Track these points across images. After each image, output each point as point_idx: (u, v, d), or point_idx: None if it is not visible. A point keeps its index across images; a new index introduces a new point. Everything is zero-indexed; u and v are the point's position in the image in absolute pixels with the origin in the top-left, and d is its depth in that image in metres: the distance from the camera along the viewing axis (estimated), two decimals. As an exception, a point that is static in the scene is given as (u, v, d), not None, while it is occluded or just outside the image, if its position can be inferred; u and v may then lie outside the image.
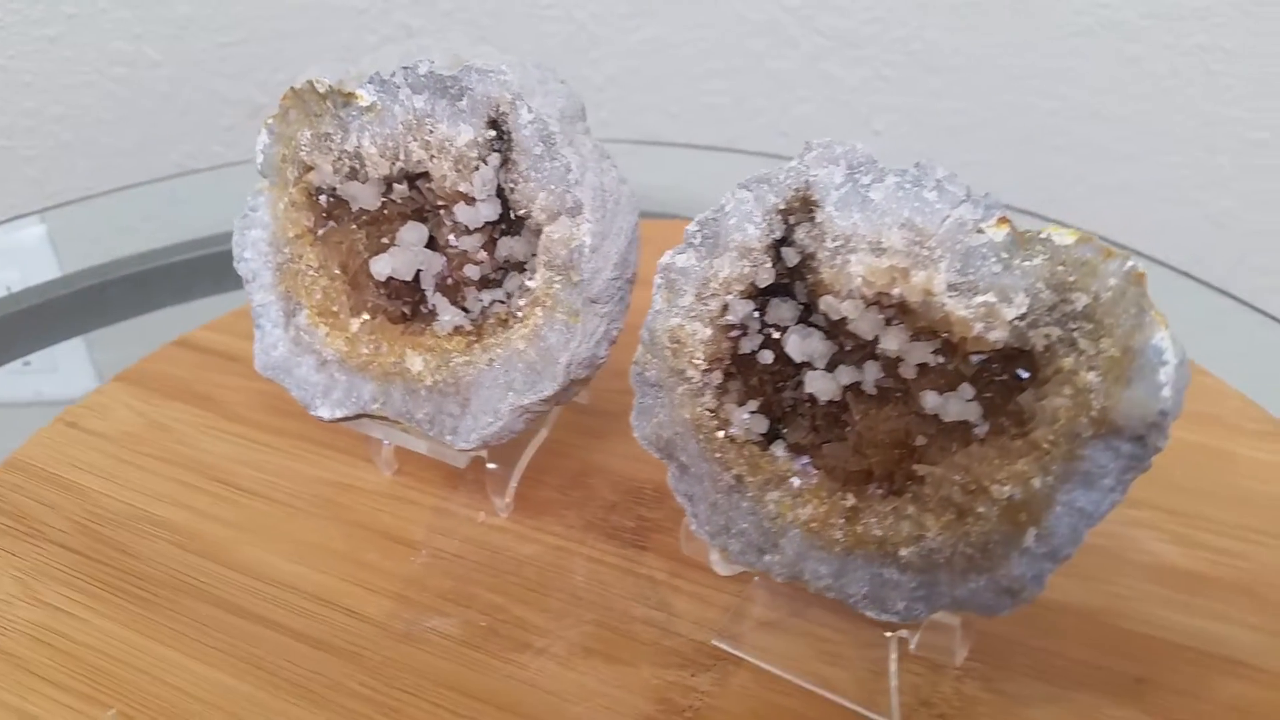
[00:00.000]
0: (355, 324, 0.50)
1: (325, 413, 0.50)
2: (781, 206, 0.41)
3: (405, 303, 0.52)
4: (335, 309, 0.50)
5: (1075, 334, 0.36)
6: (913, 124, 0.95)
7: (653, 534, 0.53)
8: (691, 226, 0.43)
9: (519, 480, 0.55)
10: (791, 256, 0.41)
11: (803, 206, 0.40)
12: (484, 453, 0.53)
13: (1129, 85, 0.86)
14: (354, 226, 0.51)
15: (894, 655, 0.45)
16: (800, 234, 0.40)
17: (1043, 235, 0.37)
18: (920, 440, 0.40)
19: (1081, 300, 0.36)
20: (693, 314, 0.42)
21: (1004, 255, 0.37)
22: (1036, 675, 0.46)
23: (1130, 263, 0.36)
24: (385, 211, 0.51)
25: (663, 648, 0.47)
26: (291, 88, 0.51)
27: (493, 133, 0.47)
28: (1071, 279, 0.36)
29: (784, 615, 0.48)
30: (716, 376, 0.42)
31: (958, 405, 0.38)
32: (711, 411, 0.42)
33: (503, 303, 0.49)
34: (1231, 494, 0.55)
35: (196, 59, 1.03)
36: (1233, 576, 0.50)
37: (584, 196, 0.45)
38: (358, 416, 0.50)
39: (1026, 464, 0.37)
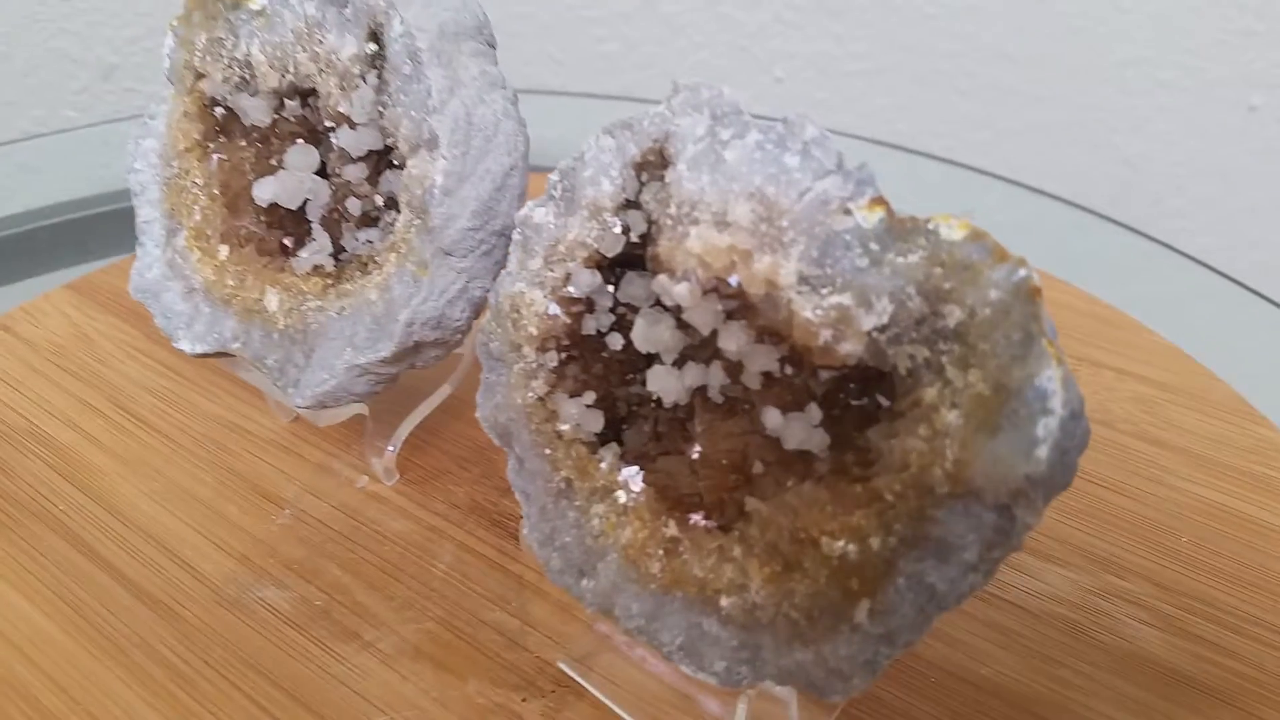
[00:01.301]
0: (224, 251, 0.45)
1: (187, 346, 0.46)
2: (638, 160, 0.33)
3: (287, 234, 0.46)
4: (209, 233, 0.46)
5: (944, 358, 0.27)
6: (816, 70, 0.86)
7: (540, 526, 0.47)
8: (554, 175, 0.36)
9: (410, 444, 0.49)
10: (638, 222, 0.33)
11: (658, 161, 0.33)
12: (364, 408, 0.47)
13: (1037, 25, 0.81)
14: (243, 143, 0.46)
15: (741, 713, 0.37)
16: (647, 195, 0.32)
17: (929, 225, 0.29)
18: (758, 467, 0.32)
19: (954, 315, 0.27)
20: (537, 281, 0.35)
21: (873, 246, 0.29)
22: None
23: (1022, 272, 0.27)
24: (277, 130, 0.46)
25: (503, 662, 0.41)
26: (192, -16, 0.46)
27: (374, 46, 0.41)
28: (948, 286, 0.27)
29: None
30: (552, 358, 0.35)
31: (801, 430, 0.30)
32: (541, 399, 0.35)
33: (372, 243, 0.43)
34: (1247, 573, 0.44)
35: (34, 16, 0.93)
36: (1218, 681, 0.40)
37: (441, 128, 0.38)
38: (219, 354, 0.45)
39: (864, 517, 0.28)
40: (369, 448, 0.48)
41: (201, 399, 0.53)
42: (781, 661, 0.31)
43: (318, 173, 0.45)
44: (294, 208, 0.45)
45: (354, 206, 0.44)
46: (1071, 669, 0.40)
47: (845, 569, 0.29)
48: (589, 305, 0.35)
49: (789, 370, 0.31)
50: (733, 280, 0.30)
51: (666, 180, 0.32)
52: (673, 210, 0.31)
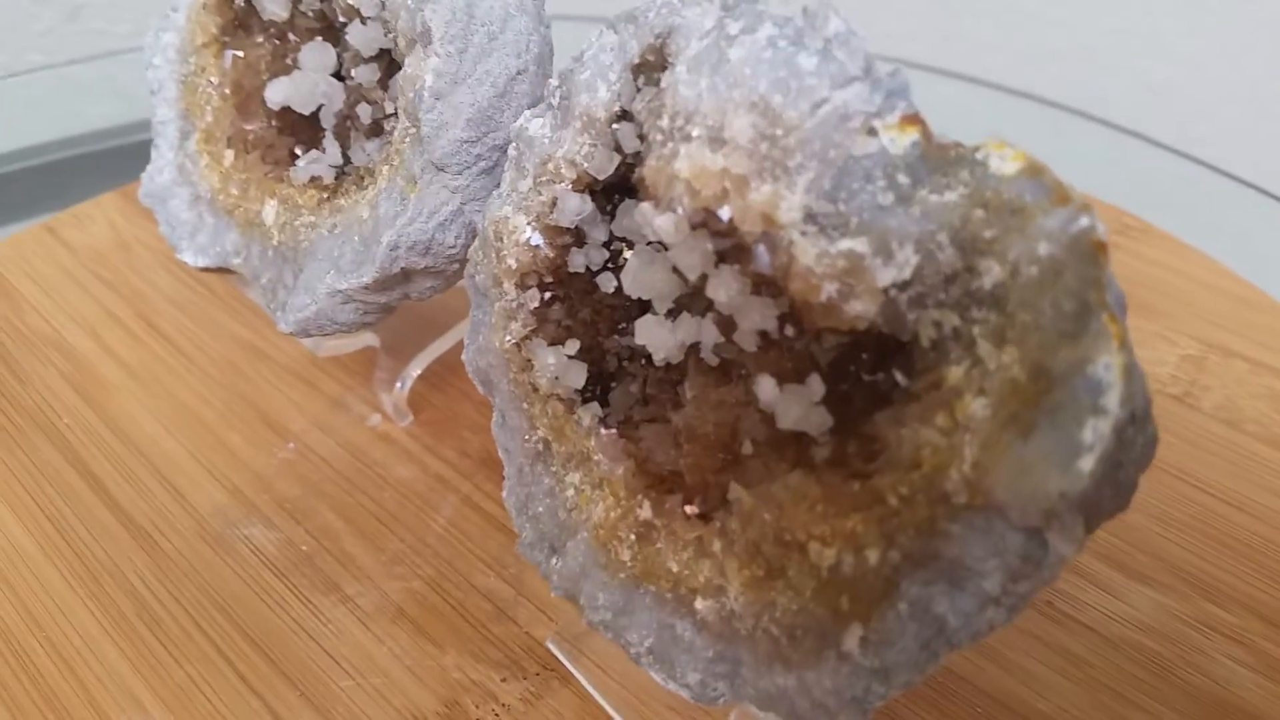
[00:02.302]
0: (229, 157, 0.41)
1: (190, 258, 0.42)
2: (636, 60, 0.27)
3: (300, 142, 0.42)
4: (218, 135, 0.42)
5: (976, 329, 0.21)
6: None
7: (555, 484, 0.42)
8: (554, 79, 0.30)
9: (427, 381, 0.45)
10: (629, 138, 0.27)
11: (656, 61, 0.27)
12: (375, 340, 0.43)
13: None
14: (260, 39, 0.42)
15: (734, 728, 0.32)
16: (639, 103, 0.27)
17: (977, 155, 0.22)
18: (747, 447, 0.26)
19: (992, 273, 0.21)
20: (523, 205, 0.30)
21: (901, 179, 0.22)
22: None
23: (1084, 220, 0.20)
24: (295, 25, 0.41)
25: (488, 634, 0.37)
26: None
27: (380, -69, 0.36)
28: (988, 234, 0.21)
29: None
30: (533, 296, 0.30)
31: (797, 406, 0.24)
32: (517, 345, 0.30)
33: (372, 155, 0.38)
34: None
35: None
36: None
37: (434, 19, 0.33)
38: (221, 269, 0.42)
39: (862, 523, 0.22)
40: (379, 383, 0.44)
41: (227, 318, 0.50)
42: (761, 683, 0.25)
43: (335, 76, 0.40)
44: (307, 112, 0.41)
45: (364, 113, 0.39)
46: (1148, 711, 0.33)
47: (835, 583, 0.23)
48: (578, 237, 0.29)
49: (789, 332, 0.24)
50: (723, 213, 0.24)
51: (662, 85, 0.26)
52: (664, 122, 0.25)
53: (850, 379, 0.24)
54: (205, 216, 0.42)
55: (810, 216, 0.23)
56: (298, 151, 0.42)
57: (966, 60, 0.79)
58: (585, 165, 0.28)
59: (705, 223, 0.25)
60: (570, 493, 0.29)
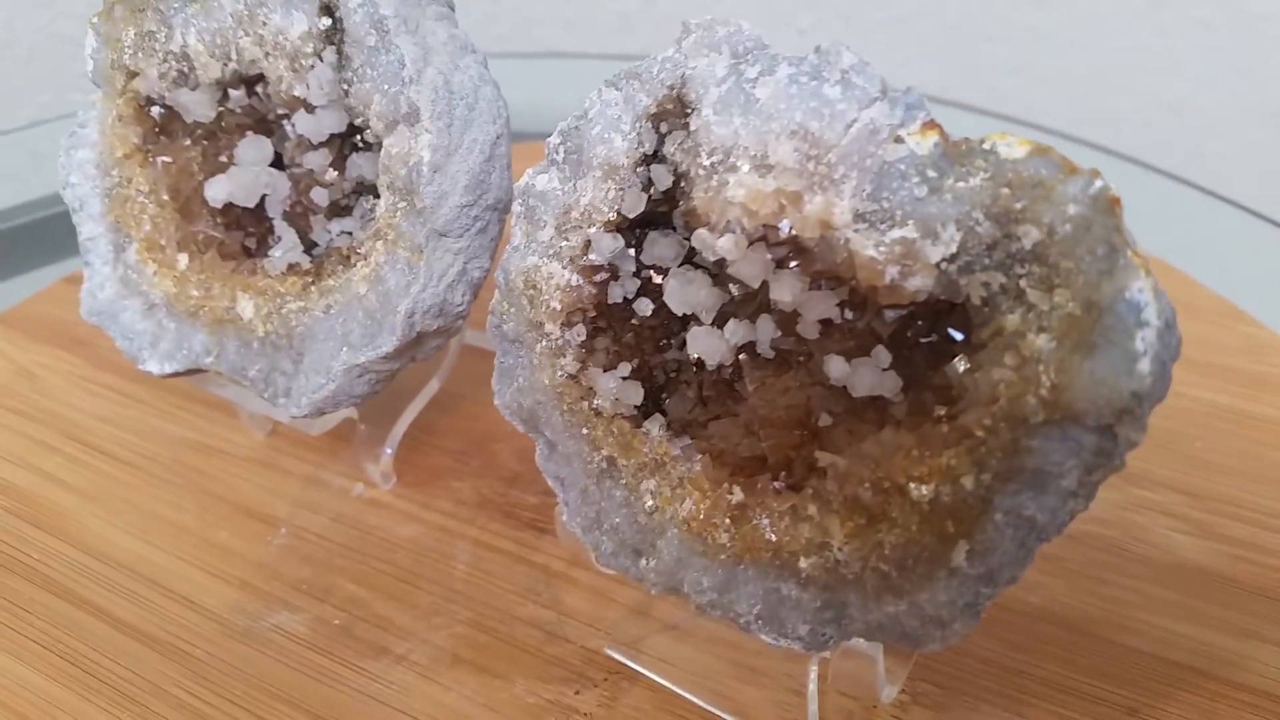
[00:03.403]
0: (183, 261, 0.42)
1: (154, 367, 0.42)
2: (653, 110, 0.31)
3: (249, 235, 0.43)
4: (163, 242, 0.42)
5: (1022, 282, 0.26)
6: (842, 20, 0.83)
7: (554, 514, 0.44)
8: (554, 138, 0.33)
9: (403, 444, 0.46)
10: (663, 177, 0.31)
11: (677, 109, 0.31)
12: (353, 412, 0.44)
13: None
14: (188, 143, 0.43)
15: (813, 677, 0.36)
16: (671, 146, 0.30)
17: (985, 145, 0.27)
18: (824, 420, 0.30)
19: (1031, 235, 0.26)
20: (551, 252, 0.33)
21: (931, 174, 0.27)
22: (1003, 702, 0.36)
23: (1099, 183, 0.25)
24: (223, 124, 0.42)
25: (546, 656, 0.39)
26: (110, -25, 0.42)
27: (328, 21, 0.38)
28: (1019, 206, 0.26)
29: (692, 618, 0.39)
30: (579, 332, 0.33)
31: (870, 376, 0.29)
32: (573, 377, 0.33)
33: (350, 234, 0.40)
34: (1268, 471, 0.44)
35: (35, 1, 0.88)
36: (1256, 577, 0.40)
37: (420, 99, 0.35)
38: (190, 371, 0.42)
39: (954, 457, 0.27)
40: (363, 453, 0.45)
41: (164, 423, 0.50)
42: (870, 617, 0.30)
43: (273, 165, 0.42)
44: (251, 205, 0.42)
45: (320, 197, 0.41)
46: (1117, 585, 0.40)
47: (939, 513, 0.28)
48: (613, 272, 0.33)
49: (849, 315, 0.29)
50: (783, 225, 0.28)
51: (692, 128, 0.30)
52: (704, 160, 0.29)
53: (909, 344, 0.29)
54: (165, 323, 0.42)
55: (859, 216, 0.28)
56: (249, 245, 0.43)
57: (981, 81, 0.83)
58: (615, 207, 0.32)
59: (764, 236, 0.29)
60: (648, 500, 0.33)
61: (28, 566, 0.43)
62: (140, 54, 0.41)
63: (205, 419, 0.50)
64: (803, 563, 0.30)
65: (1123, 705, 0.36)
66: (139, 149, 0.42)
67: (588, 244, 0.32)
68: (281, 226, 0.42)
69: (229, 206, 0.42)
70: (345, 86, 0.37)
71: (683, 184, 0.30)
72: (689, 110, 0.30)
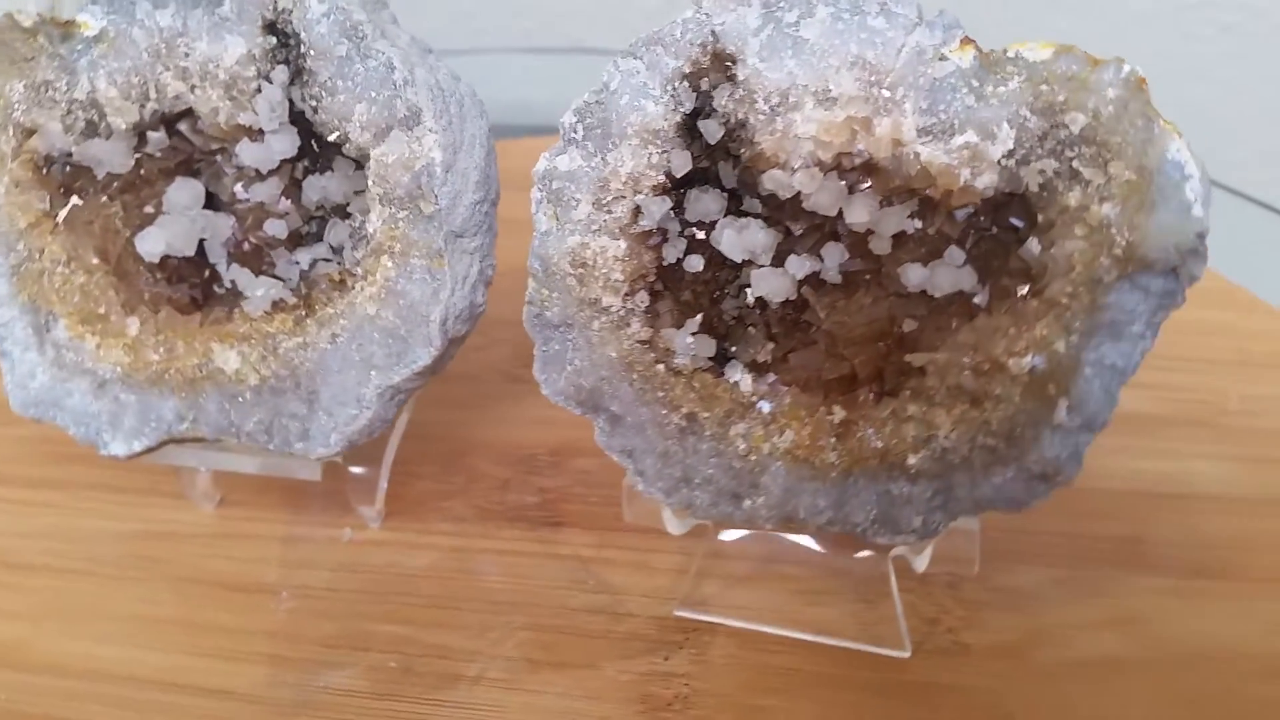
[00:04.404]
0: (133, 325, 0.38)
1: (120, 449, 0.38)
2: (686, 70, 0.32)
3: (193, 285, 0.40)
4: (102, 310, 0.38)
5: (1075, 163, 0.30)
6: None
7: (562, 505, 0.44)
8: (568, 118, 0.34)
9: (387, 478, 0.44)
10: (713, 130, 0.32)
11: (715, 64, 0.32)
12: (338, 457, 0.42)
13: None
14: (105, 199, 0.39)
15: (893, 578, 0.39)
16: (721, 99, 0.32)
17: (1010, 54, 0.31)
18: (908, 325, 0.33)
19: (1078, 121, 0.30)
20: (595, 227, 0.33)
21: (975, 84, 0.31)
22: (1031, 560, 0.41)
23: (1127, 67, 0.30)
24: (142, 172, 0.39)
25: (619, 636, 0.39)
26: (-23, 27, 0.37)
27: (273, 40, 0.36)
28: (1061, 98, 0.30)
29: (748, 564, 0.41)
30: (642, 299, 0.34)
31: (949, 274, 0.32)
32: (645, 343, 0.34)
33: (329, 260, 0.38)
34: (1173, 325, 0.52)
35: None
36: (1189, 412, 0.47)
37: (420, 99, 0.34)
38: (162, 444, 0.38)
39: (1047, 326, 0.31)
40: (355, 495, 0.43)
41: (91, 520, 0.44)
42: (978, 492, 0.33)
43: (205, 206, 0.39)
44: (191, 253, 0.39)
45: (277, 229, 0.39)
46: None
47: (1039, 380, 0.31)
48: (663, 235, 0.34)
49: (917, 224, 0.32)
50: (859, 148, 0.31)
51: (740, 78, 0.31)
52: (762, 105, 0.31)
53: (976, 240, 0.32)
54: (122, 397, 0.38)
55: (923, 130, 0.30)
56: (195, 296, 0.39)
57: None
58: (663, 169, 0.33)
59: (837, 164, 0.31)
60: (740, 444, 0.34)
61: (16, 712, 0.37)
62: (36, 108, 0.37)
63: (137, 506, 0.45)
64: (911, 459, 0.33)
65: (1124, 536, 0.42)
66: (46, 215, 0.38)
67: (636, 211, 0.33)
68: (233, 271, 0.39)
69: (165, 258, 0.38)
70: (312, 103, 0.36)
71: (740, 133, 0.32)
72: (730, 61, 0.32)
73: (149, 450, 0.38)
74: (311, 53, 0.35)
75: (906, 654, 0.38)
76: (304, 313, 0.37)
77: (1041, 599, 0.40)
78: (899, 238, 0.32)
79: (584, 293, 0.34)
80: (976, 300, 0.32)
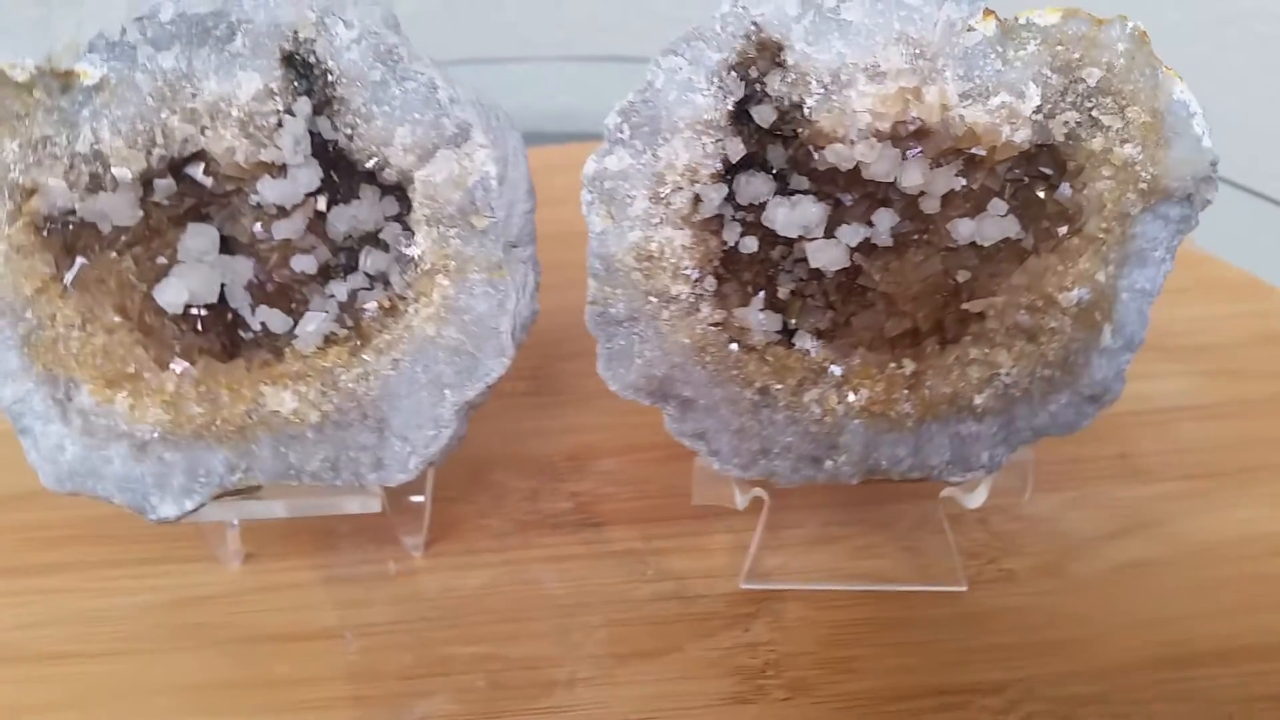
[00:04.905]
0: (170, 380, 0.36)
1: (170, 510, 0.36)
2: (733, 61, 0.34)
3: (219, 334, 0.38)
4: (132, 369, 0.36)
5: (1095, 112, 0.34)
6: None
7: (596, 506, 0.45)
8: (613, 119, 0.35)
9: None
10: (766, 115, 0.34)
11: (762, 53, 0.34)
12: (378, 492, 0.41)
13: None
14: (114, 254, 0.37)
15: (943, 516, 0.41)
16: (775, 84, 0.34)
17: (1022, 20, 0.34)
18: (962, 276, 0.36)
19: (1094, 75, 0.33)
20: (656, 220, 0.35)
21: (999, 49, 0.34)
22: (1043, 488, 0.44)
23: (1130, 24, 0.34)
24: (151, 222, 0.37)
25: (695, 617, 0.40)
26: (-41, 85, 0.35)
27: (290, 72, 0.35)
28: (1077, 56, 0.33)
29: (800, 532, 0.43)
30: (710, 283, 0.35)
31: (995, 225, 0.35)
32: (718, 325, 0.35)
33: (368, 290, 0.38)
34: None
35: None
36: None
37: (469, 116, 0.35)
38: (216, 498, 0.37)
39: (1088, 260, 0.34)
40: (402, 526, 0.42)
41: (107, 599, 0.42)
42: (1036, 421, 0.36)
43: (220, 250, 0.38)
44: (214, 300, 0.38)
45: (306, 264, 0.38)
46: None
47: (1086, 309, 0.34)
48: (720, 221, 0.35)
49: (963, 182, 0.35)
50: (912, 115, 0.33)
51: (790, 63, 0.33)
52: (815, 85, 0.33)
53: (1014, 190, 0.35)
54: (167, 456, 0.36)
55: (964, 95, 0.33)
56: (224, 343, 0.38)
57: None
58: (719, 156, 0.34)
59: (892, 132, 0.33)
60: (815, 408, 0.36)
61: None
62: (35, 167, 0.35)
63: (154, 576, 0.43)
64: (977, 399, 0.35)
65: (1115, 454, 0.46)
66: (53, 279, 0.36)
67: (696, 199, 0.35)
68: (262, 312, 0.38)
69: (185, 308, 0.37)
70: (347, 131, 0.35)
71: (794, 114, 0.34)
72: (778, 49, 0.34)
73: (199, 507, 0.37)
74: (342, 80, 0.35)
75: (964, 588, 0.41)
76: (358, 343, 0.36)
77: (1062, 520, 0.43)
78: (946, 196, 0.35)
79: (651, 285, 0.35)
80: (1023, 244, 0.35)
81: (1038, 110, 0.34)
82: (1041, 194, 0.35)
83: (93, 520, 0.45)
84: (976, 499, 0.40)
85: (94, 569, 0.43)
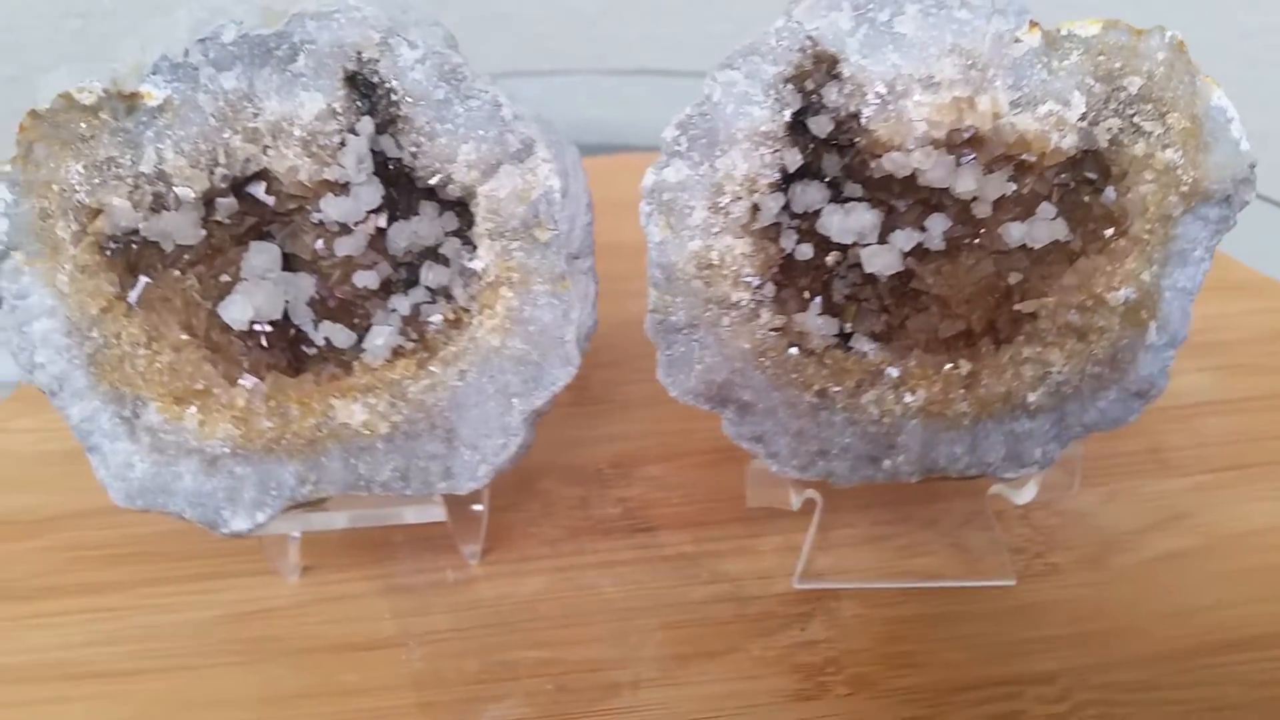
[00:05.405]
0: (241, 395, 0.37)
1: (243, 524, 0.37)
2: (789, 74, 0.35)
3: (282, 350, 0.39)
4: (201, 386, 0.37)
5: (1135, 119, 0.35)
6: None
7: (646, 511, 0.46)
8: (670, 132, 0.36)
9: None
10: (823, 125, 0.35)
11: (818, 66, 0.35)
12: (438, 502, 0.42)
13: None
14: (178, 273, 0.38)
15: (989, 511, 0.42)
16: (832, 95, 0.35)
17: (1063, 32, 0.36)
18: (1014, 278, 0.37)
19: (1135, 83, 0.35)
20: (715, 229, 0.36)
21: (1045, 60, 0.35)
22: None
23: (1169, 34, 0.35)
24: (213, 241, 0.38)
25: (752, 617, 0.41)
26: (32, 110, 0.35)
27: (352, 92, 0.36)
28: (1118, 65, 0.35)
29: (848, 532, 0.44)
30: (769, 289, 0.36)
31: (1045, 228, 0.36)
32: (778, 330, 0.36)
33: (431, 303, 0.39)
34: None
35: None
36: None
37: (532, 131, 0.36)
38: (286, 510, 0.38)
39: (1134, 260, 0.35)
40: (461, 535, 0.43)
41: (169, 615, 0.42)
42: (1086, 417, 0.37)
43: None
44: (278, 317, 0.38)
45: (369, 279, 0.39)
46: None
47: (1133, 308, 0.36)
48: (778, 229, 0.36)
49: (1013, 187, 0.36)
50: (967, 124, 0.34)
51: (846, 75, 0.35)
52: (872, 96, 0.34)
53: (1061, 194, 0.36)
54: (238, 470, 0.37)
55: (1014, 103, 0.35)
56: (289, 358, 0.39)
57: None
58: (777, 166, 0.35)
59: (947, 140, 0.35)
60: (872, 409, 0.37)
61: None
62: (100, 188, 0.36)
63: (210, 592, 0.43)
64: (1031, 397, 0.36)
65: (1146, 449, 0.47)
66: (117, 298, 0.37)
67: (754, 209, 0.36)
68: (325, 328, 0.39)
69: (252, 324, 0.38)
70: (412, 150, 0.36)
71: (851, 124, 0.35)
72: (834, 62, 0.35)
73: (270, 520, 0.37)
74: (406, 100, 0.36)
75: (1013, 582, 0.42)
76: (426, 355, 0.37)
77: (1099, 514, 0.45)
78: (996, 200, 0.36)
79: (712, 292, 0.36)
80: (1071, 246, 0.36)
81: (1082, 117, 0.35)
82: (1087, 198, 0.36)
83: (143, 538, 0.45)
84: (1026, 495, 0.41)
85: (150, 586, 0.43)
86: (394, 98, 0.36)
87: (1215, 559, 0.43)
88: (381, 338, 0.37)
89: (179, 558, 0.44)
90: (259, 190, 0.37)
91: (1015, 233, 0.36)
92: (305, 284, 0.39)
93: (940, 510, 0.43)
